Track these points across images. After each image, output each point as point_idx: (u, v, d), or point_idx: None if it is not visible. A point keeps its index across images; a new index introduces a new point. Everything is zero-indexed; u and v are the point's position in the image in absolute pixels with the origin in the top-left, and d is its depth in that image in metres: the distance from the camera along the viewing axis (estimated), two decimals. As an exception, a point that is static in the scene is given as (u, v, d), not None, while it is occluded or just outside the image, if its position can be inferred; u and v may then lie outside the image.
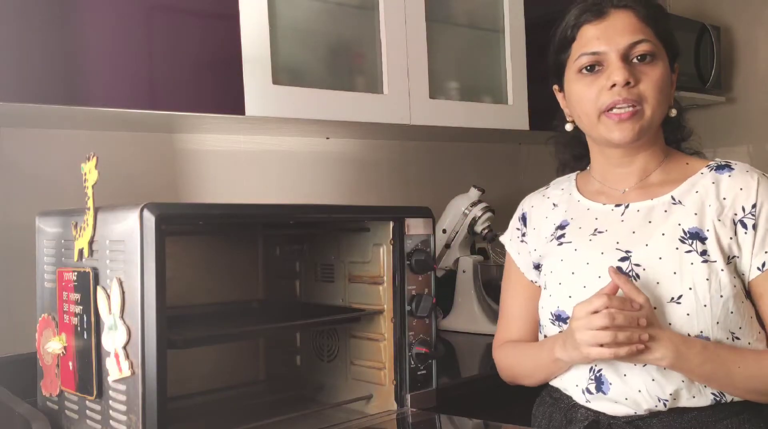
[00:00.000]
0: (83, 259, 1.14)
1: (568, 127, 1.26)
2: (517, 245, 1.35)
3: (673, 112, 1.19)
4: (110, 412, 1.10)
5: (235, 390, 1.56)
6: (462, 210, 2.05)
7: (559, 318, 1.19)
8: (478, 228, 2.03)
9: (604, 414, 1.13)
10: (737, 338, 1.10)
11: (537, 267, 1.29)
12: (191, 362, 1.45)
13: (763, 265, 1.10)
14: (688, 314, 1.08)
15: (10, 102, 1.28)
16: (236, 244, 1.61)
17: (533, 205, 1.34)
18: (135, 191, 1.67)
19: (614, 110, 1.13)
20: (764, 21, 2.86)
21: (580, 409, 1.17)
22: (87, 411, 1.15)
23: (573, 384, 1.18)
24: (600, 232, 1.18)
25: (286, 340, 1.61)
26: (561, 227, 1.25)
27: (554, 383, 1.24)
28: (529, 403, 1.37)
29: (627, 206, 1.19)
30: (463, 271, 2.03)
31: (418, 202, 1.50)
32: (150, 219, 1.02)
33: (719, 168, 1.16)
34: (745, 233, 1.10)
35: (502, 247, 1.47)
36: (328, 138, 2.07)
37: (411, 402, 1.36)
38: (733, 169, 1.15)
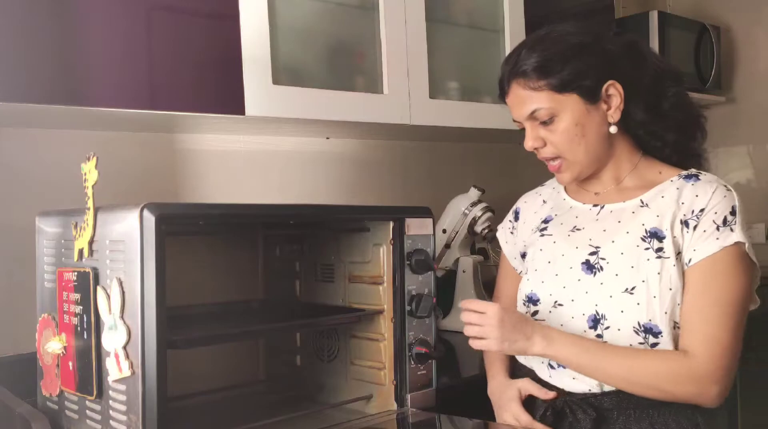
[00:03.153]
0: (83, 259, 1.14)
1: None
2: (506, 235, 1.48)
3: (613, 130, 1.27)
4: (110, 412, 1.10)
5: (235, 390, 1.56)
6: (462, 210, 2.05)
7: (531, 300, 1.31)
8: (478, 228, 2.03)
9: (562, 390, 1.25)
10: (679, 327, 1.20)
11: (523, 255, 1.41)
12: (191, 362, 1.45)
13: (690, 260, 1.20)
14: (638, 304, 1.19)
15: (10, 102, 1.28)
16: (236, 244, 1.61)
17: (526, 201, 1.48)
18: (135, 191, 1.67)
19: (548, 163, 1.30)
20: (764, 21, 2.87)
21: (543, 384, 1.28)
22: (87, 411, 1.15)
23: (538, 361, 1.29)
24: (578, 230, 1.32)
25: (286, 340, 1.61)
26: (545, 221, 1.39)
27: (521, 360, 1.35)
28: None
29: (602, 207, 1.31)
30: (463, 271, 2.03)
31: (418, 202, 1.50)
32: (150, 219, 1.02)
33: (688, 177, 1.27)
34: (686, 232, 1.21)
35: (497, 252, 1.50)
36: (328, 138, 2.07)
37: (411, 402, 1.36)
38: (699, 179, 1.26)
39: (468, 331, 1.22)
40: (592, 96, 1.24)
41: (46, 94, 1.31)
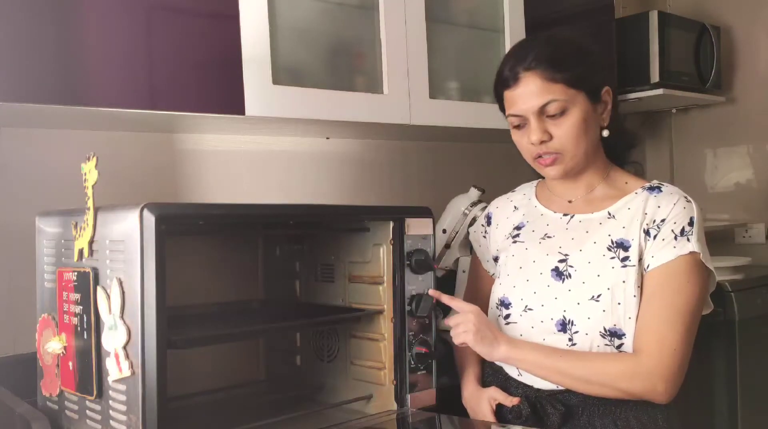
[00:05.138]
0: (83, 259, 1.14)
1: None
2: (479, 238, 1.54)
3: (605, 133, 1.33)
4: (110, 412, 1.10)
5: (235, 390, 1.56)
6: (462, 210, 2.05)
7: (503, 303, 1.37)
8: (478, 228, 2.03)
9: (531, 387, 1.31)
10: None
11: (495, 259, 1.47)
12: (191, 362, 1.45)
13: (648, 266, 1.26)
14: (604, 310, 1.25)
15: (10, 102, 1.28)
16: (236, 244, 1.61)
17: (498, 206, 1.52)
18: (135, 191, 1.67)
19: (541, 158, 1.31)
20: (764, 21, 2.86)
21: (513, 382, 1.34)
22: (87, 411, 1.15)
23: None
24: (549, 237, 1.37)
25: (286, 340, 1.61)
26: (518, 228, 1.43)
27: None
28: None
29: (572, 217, 1.37)
30: (463, 271, 2.03)
31: (418, 202, 1.50)
32: (150, 219, 1.02)
33: (651, 189, 1.33)
34: (647, 240, 1.27)
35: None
36: (328, 138, 2.07)
37: (411, 402, 1.36)
38: (661, 191, 1.32)
39: (453, 330, 1.31)
40: (595, 97, 1.31)
41: (46, 94, 1.31)
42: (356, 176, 2.14)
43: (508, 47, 2.02)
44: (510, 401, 1.29)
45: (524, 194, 1.49)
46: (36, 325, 1.27)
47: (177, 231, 1.40)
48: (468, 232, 2.02)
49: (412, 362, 1.36)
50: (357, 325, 1.43)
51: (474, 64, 2.07)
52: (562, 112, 1.27)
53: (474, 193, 2.06)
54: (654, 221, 1.27)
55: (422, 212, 1.40)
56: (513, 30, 2.03)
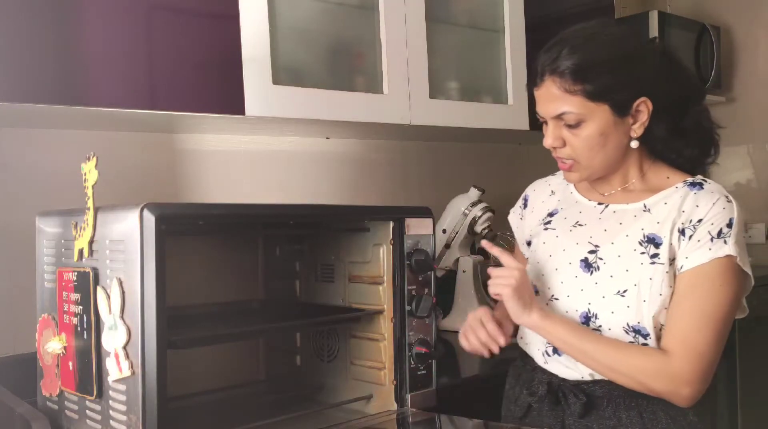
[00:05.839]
0: (83, 259, 1.14)
1: None
2: (517, 221, 1.52)
3: (634, 144, 1.27)
4: (110, 412, 1.10)
5: (235, 390, 1.56)
6: (462, 210, 2.05)
7: None
8: (478, 228, 2.03)
9: (556, 376, 1.30)
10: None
11: (529, 243, 1.45)
12: (191, 362, 1.45)
13: (681, 267, 1.22)
14: (628, 306, 1.23)
15: (10, 102, 1.28)
16: (236, 244, 1.61)
17: (535, 189, 1.50)
18: (135, 191, 1.67)
19: (559, 160, 1.30)
20: (764, 21, 2.87)
21: (539, 370, 1.33)
22: (87, 411, 1.15)
23: (535, 348, 1.34)
24: (580, 226, 1.34)
25: (286, 340, 1.61)
26: (551, 214, 1.41)
27: (524, 348, 1.40)
28: (526, 381, 1.37)
29: (607, 206, 1.33)
30: (463, 271, 2.03)
31: (418, 202, 1.51)
32: (150, 219, 1.02)
33: (692, 185, 1.27)
34: (682, 240, 1.23)
35: (501, 246, 1.52)
36: (328, 138, 2.07)
37: (411, 402, 1.36)
38: (702, 188, 1.26)
39: (492, 280, 1.28)
40: (623, 109, 1.24)
41: (46, 94, 1.31)
42: (356, 176, 2.14)
43: (508, 47, 2.02)
44: (500, 338, 1.29)
45: (563, 179, 1.43)
46: (36, 325, 1.27)
47: (177, 231, 1.41)
48: (472, 228, 2.03)
49: (412, 362, 1.36)
50: (357, 325, 1.43)
51: (474, 64, 2.07)
52: (578, 124, 1.23)
53: (474, 193, 2.06)
54: (690, 221, 1.22)
55: (422, 212, 1.40)
56: (513, 30, 2.03)
